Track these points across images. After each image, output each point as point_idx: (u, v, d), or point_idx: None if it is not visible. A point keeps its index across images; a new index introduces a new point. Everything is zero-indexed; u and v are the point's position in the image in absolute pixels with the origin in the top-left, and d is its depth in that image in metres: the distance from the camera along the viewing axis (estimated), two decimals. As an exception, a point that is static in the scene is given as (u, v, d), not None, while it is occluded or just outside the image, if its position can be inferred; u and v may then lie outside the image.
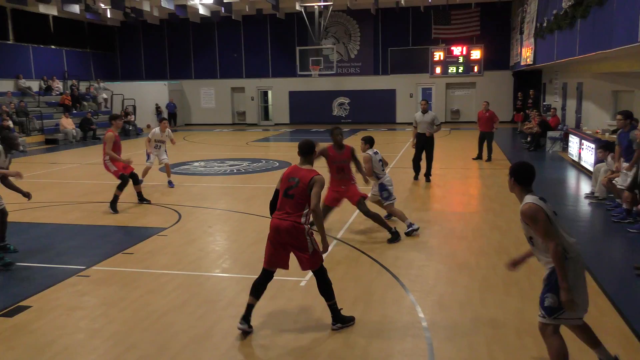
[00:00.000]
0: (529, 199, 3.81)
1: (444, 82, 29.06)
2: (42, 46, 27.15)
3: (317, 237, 4.80)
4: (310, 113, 30.50)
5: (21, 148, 17.70)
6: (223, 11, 26.28)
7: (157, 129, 11.83)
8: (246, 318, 4.75)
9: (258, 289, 4.82)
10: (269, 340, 4.69)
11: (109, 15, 27.87)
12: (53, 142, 21.86)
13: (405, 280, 6.06)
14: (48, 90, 26.19)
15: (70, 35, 28.82)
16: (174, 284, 6.06)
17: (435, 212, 9.52)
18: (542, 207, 3.74)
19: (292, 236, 4.64)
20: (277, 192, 4.85)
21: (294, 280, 5.95)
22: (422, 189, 11.57)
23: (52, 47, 27.88)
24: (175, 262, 6.84)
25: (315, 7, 26.57)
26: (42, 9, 22.76)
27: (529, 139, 17.97)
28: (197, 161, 16.05)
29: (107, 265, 6.68)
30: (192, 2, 25.26)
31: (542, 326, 3.83)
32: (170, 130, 11.97)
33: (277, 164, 15.38)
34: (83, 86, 28.11)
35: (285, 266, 4.86)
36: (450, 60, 28.13)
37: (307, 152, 4.87)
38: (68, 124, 22.73)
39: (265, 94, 32.18)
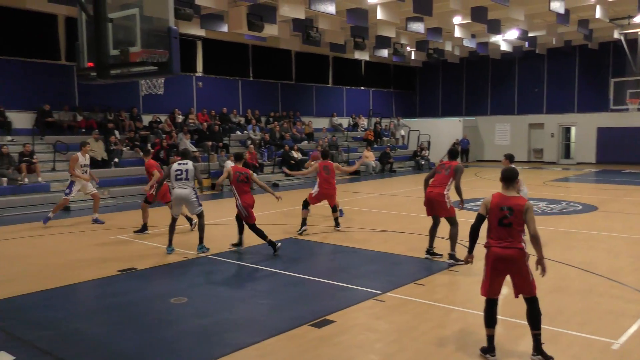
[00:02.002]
0: None
1: None
2: (353, 88, 30.70)
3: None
4: (623, 152, 26.89)
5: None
6: (527, 45, 25.43)
7: None
8: (489, 349, 4.94)
9: (490, 318, 4.99)
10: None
11: (412, 57, 29.84)
12: (356, 173, 24.21)
13: None
14: (355, 126, 29.44)
15: (377, 77, 31.93)
16: (463, 323, 5.91)
17: None
18: None
19: (516, 263, 4.85)
20: (480, 217, 5.08)
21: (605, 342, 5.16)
22: None
23: (362, 88, 31.25)
24: (464, 300, 6.70)
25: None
26: (357, 55, 25.71)
27: None
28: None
29: (400, 293, 6.93)
30: (494, 39, 25.13)
31: None
32: None
33: (580, 206, 13.89)
34: (384, 123, 30.60)
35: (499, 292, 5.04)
36: None
37: (511, 178, 5.12)
38: (370, 157, 24.95)
39: (568, 130, 29.72)
